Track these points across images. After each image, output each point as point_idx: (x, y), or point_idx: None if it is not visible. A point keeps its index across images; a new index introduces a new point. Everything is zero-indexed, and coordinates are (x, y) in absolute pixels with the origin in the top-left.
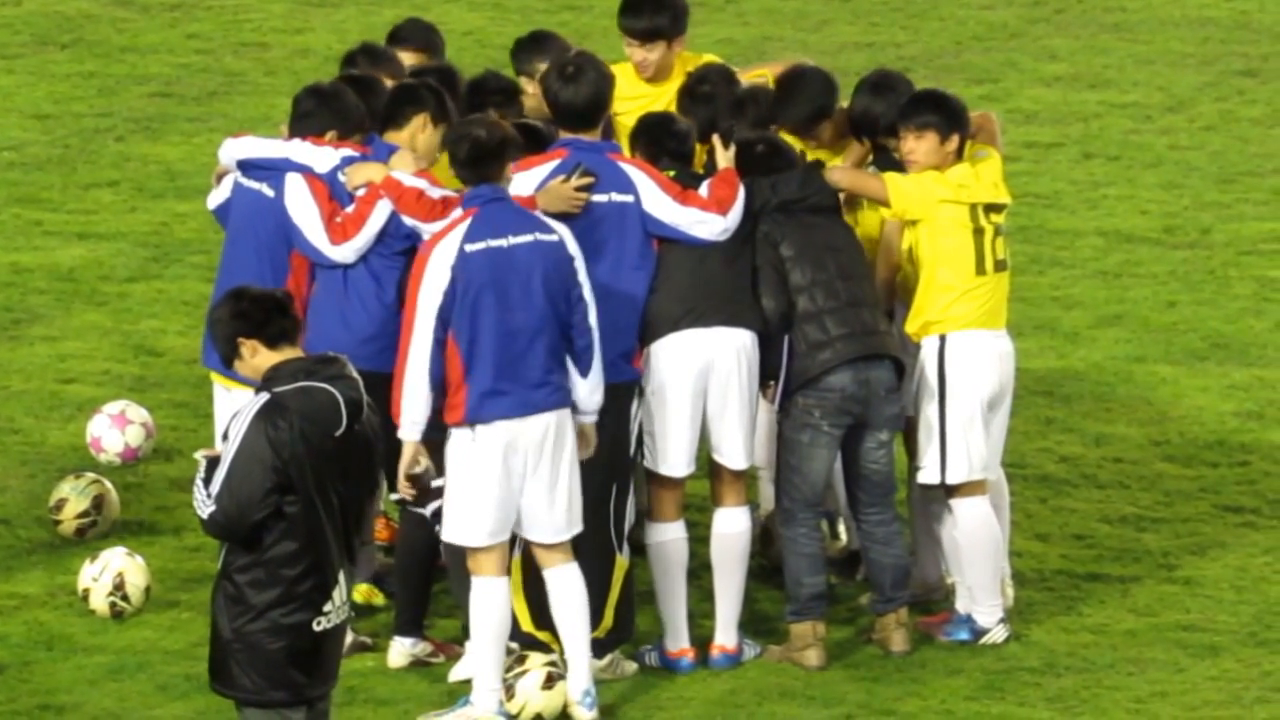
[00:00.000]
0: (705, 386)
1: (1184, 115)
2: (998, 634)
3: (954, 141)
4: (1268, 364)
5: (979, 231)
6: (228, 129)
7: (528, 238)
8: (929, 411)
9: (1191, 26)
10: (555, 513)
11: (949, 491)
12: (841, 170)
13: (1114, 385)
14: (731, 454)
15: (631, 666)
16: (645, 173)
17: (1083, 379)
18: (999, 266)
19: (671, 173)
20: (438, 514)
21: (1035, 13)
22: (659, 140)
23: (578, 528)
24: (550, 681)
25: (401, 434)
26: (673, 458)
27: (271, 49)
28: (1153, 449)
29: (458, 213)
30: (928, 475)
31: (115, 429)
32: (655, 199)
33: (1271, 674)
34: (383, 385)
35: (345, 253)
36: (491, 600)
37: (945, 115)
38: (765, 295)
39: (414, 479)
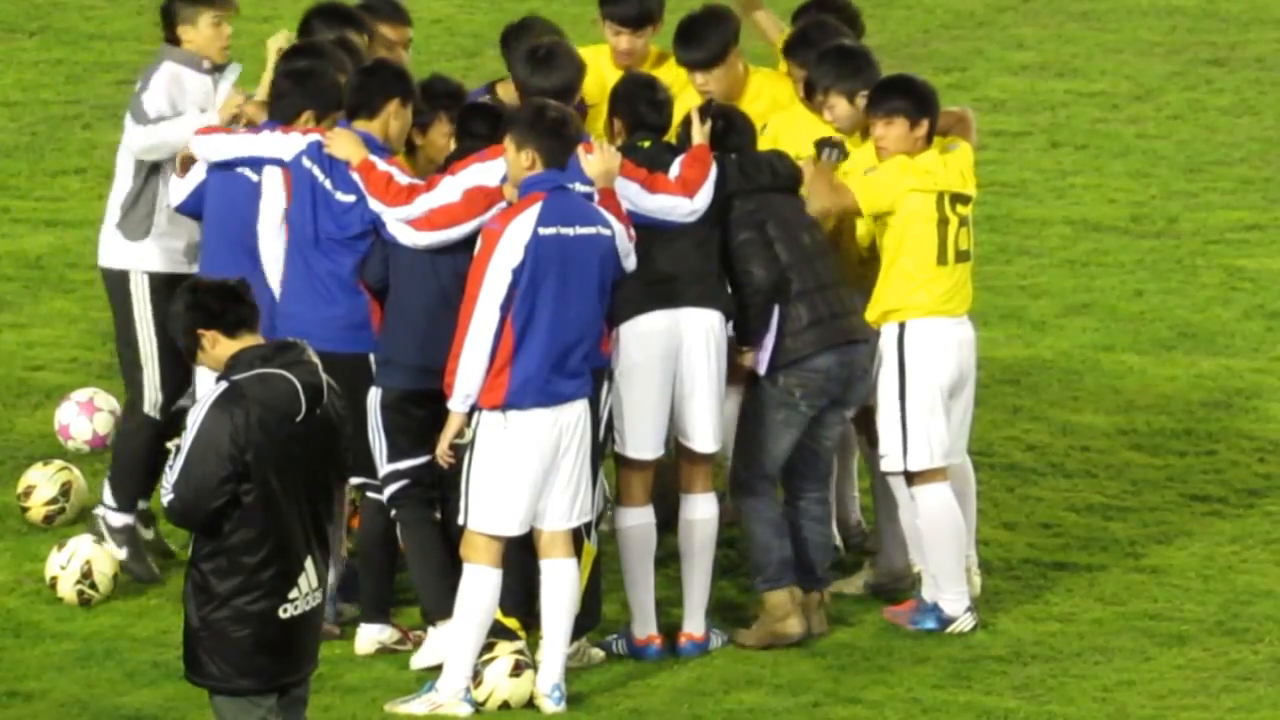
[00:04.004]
0: (674, 368)
1: (1151, 104)
2: (965, 622)
3: (923, 127)
4: (1235, 353)
5: (944, 222)
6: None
7: (591, 230)
8: (890, 399)
9: (1159, 15)
10: (570, 499)
11: (910, 479)
12: (816, 199)
13: (1081, 374)
14: (700, 437)
15: (598, 654)
16: (615, 184)
17: (1050, 368)
18: (961, 257)
19: (647, 143)
20: (394, 499)
21: (1003, 1)
22: (637, 111)
23: (587, 516)
24: (518, 669)
25: (451, 405)
26: (641, 440)
27: (238, 36)
28: (1120, 438)
29: (490, 198)
30: (890, 462)
31: (83, 416)
32: (623, 191)
33: (1238, 663)
34: (346, 366)
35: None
36: (482, 589)
37: (914, 101)
38: (756, 265)
39: (455, 448)
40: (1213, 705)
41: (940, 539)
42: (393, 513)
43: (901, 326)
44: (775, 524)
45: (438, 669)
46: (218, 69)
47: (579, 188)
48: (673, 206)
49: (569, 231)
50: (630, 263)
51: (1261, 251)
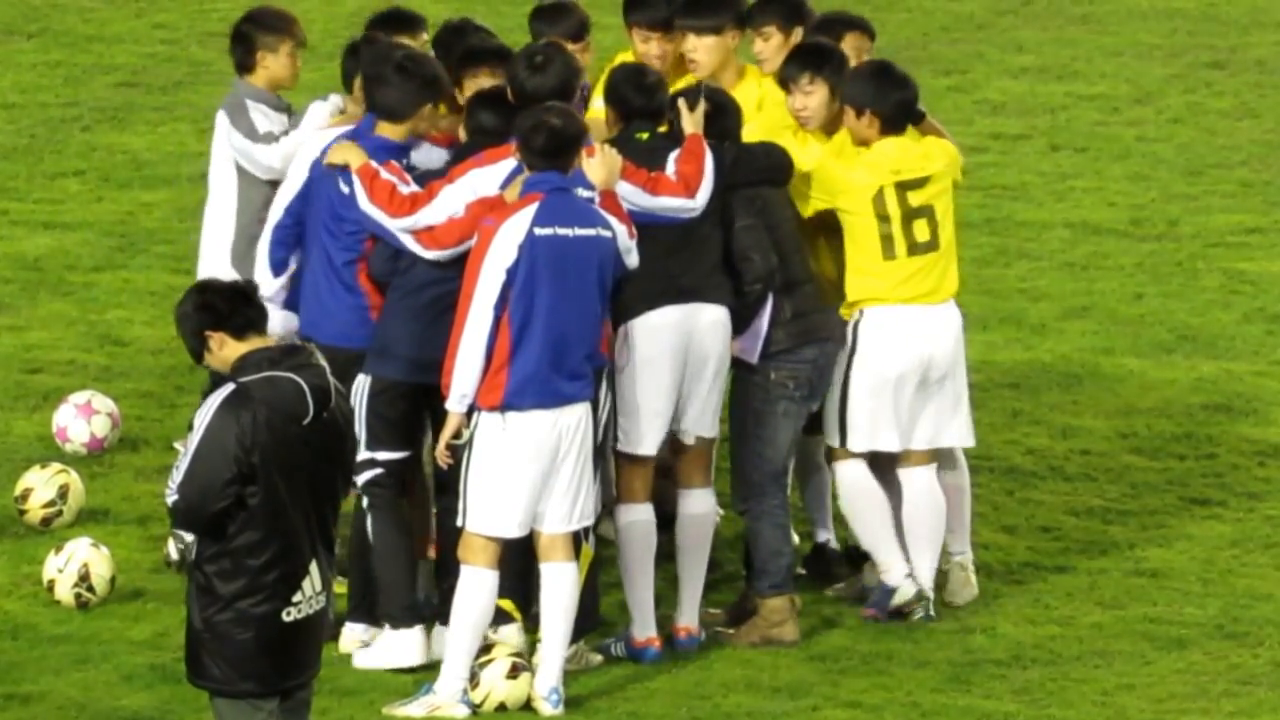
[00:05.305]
0: (682, 363)
1: (1151, 107)
2: (906, 590)
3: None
4: (1235, 356)
5: (884, 219)
6: (194, 119)
7: (590, 231)
8: (837, 376)
9: (1159, 18)
10: (570, 503)
11: (829, 456)
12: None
13: (1081, 377)
14: (704, 426)
15: (597, 658)
16: (616, 186)
17: (1050, 371)
18: (917, 249)
19: (645, 135)
20: (365, 488)
21: (1003, 4)
22: (625, 98)
23: (588, 519)
24: (515, 672)
25: (449, 405)
26: (646, 436)
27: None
28: (1120, 441)
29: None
30: (830, 437)
31: (81, 418)
32: (625, 194)
33: (1239, 667)
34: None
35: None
36: (479, 591)
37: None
38: (756, 253)
39: (453, 449)
40: (1213, 709)
41: (861, 511)
42: (364, 502)
43: (861, 314)
44: (785, 529)
45: (431, 672)
46: (283, 106)
47: (582, 193)
48: (675, 207)
49: (567, 232)
50: (632, 259)
51: (1262, 255)
